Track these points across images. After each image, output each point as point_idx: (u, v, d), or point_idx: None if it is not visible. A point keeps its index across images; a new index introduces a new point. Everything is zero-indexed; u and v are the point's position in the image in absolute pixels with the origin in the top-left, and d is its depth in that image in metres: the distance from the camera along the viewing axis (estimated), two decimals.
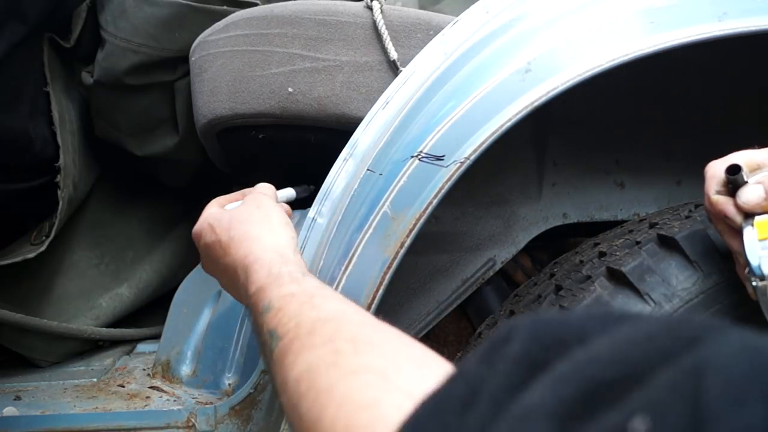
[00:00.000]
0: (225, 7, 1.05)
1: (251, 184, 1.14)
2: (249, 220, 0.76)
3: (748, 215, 0.69)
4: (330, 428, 0.45)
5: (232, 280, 0.74)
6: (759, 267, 0.68)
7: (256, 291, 0.66)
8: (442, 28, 0.81)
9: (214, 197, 1.31)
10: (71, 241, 1.16)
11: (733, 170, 0.69)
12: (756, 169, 0.70)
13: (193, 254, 1.23)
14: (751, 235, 0.68)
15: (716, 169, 0.71)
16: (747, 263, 0.69)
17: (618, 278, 0.79)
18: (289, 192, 0.90)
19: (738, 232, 0.70)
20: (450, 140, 0.78)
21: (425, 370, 0.48)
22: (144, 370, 1.02)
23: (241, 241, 0.74)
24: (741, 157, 0.70)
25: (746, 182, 0.69)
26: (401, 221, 0.76)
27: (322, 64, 0.91)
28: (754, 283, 0.69)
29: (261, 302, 0.64)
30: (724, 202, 0.70)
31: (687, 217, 0.82)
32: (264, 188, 0.85)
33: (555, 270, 0.90)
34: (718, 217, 0.72)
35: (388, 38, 0.90)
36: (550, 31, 0.79)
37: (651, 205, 1.09)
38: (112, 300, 1.17)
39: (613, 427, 0.27)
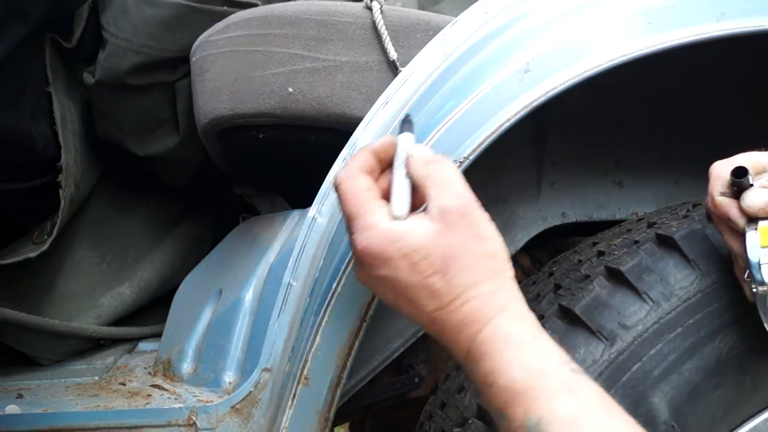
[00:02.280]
0: (225, 8, 1.05)
1: (251, 184, 1.15)
2: (472, 265, 0.60)
3: (752, 219, 0.69)
4: None
5: (445, 337, 0.61)
6: (760, 273, 0.68)
7: (505, 387, 0.55)
8: (442, 29, 0.82)
9: (214, 197, 1.31)
10: (73, 240, 1.17)
11: (740, 173, 0.68)
12: (762, 171, 0.70)
13: (193, 253, 1.24)
14: (753, 239, 0.68)
15: (721, 170, 0.71)
16: (748, 268, 0.69)
17: (616, 277, 0.79)
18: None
19: (740, 235, 0.70)
20: (449, 140, 0.78)
21: None
22: (145, 368, 1.02)
23: (468, 298, 0.59)
24: (747, 159, 0.70)
25: (751, 185, 0.69)
26: None
27: (322, 64, 0.91)
28: (754, 289, 0.69)
29: (519, 409, 0.53)
30: (728, 204, 0.70)
31: (685, 217, 0.83)
32: (449, 178, 0.63)
33: (554, 269, 0.90)
34: (720, 218, 0.72)
35: (388, 38, 0.90)
36: (548, 32, 0.80)
37: (649, 204, 1.10)
38: (113, 299, 1.17)
39: None
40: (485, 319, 0.59)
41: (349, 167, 0.66)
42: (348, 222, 0.65)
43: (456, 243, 0.61)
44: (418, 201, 0.65)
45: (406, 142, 0.69)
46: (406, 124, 0.71)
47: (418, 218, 0.63)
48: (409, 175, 0.66)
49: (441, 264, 0.60)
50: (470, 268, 0.60)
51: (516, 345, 0.58)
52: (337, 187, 0.66)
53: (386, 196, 0.66)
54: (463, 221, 0.61)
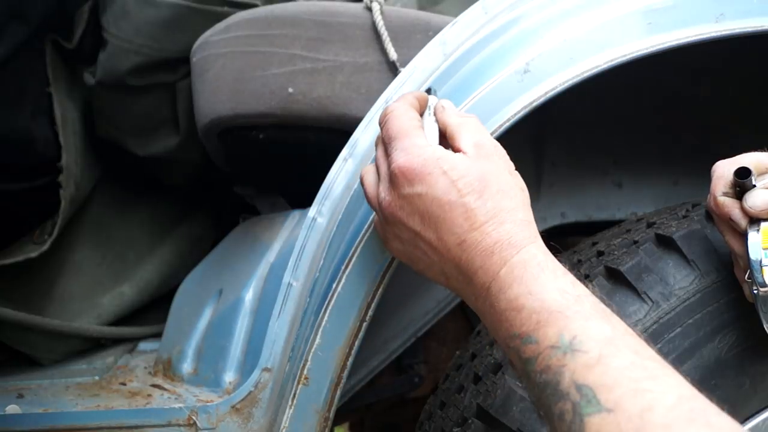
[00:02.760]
0: (226, 8, 1.05)
1: (251, 184, 1.15)
2: (507, 191, 0.62)
3: (753, 220, 0.69)
4: None
5: (470, 262, 0.60)
6: (761, 275, 0.68)
7: (538, 309, 0.54)
8: (442, 29, 0.82)
9: (215, 197, 1.32)
10: (73, 240, 1.17)
11: (743, 173, 0.68)
12: (765, 172, 0.70)
13: (193, 253, 1.25)
14: (755, 240, 0.68)
15: (724, 170, 0.71)
16: (749, 269, 0.69)
17: (616, 277, 0.79)
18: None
19: (741, 236, 0.70)
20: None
21: None
22: (145, 368, 1.02)
23: (503, 221, 0.60)
24: (750, 160, 0.70)
25: (754, 186, 0.69)
26: None
27: (322, 64, 0.92)
28: (754, 291, 0.69)
29: (551, 329, 0.53)
30: (731, 205, 0.70)
31: (684, 217, 0.83)
32: (481, 128, 0.68)
33: None
34: (722, 218, 0.71)
35: (388, 39, 0.90)
36: (548, 32, 0.80)
37: (648, 204, 1.10)
38: (113, 299, 1.17)
39: None
40: (519, 245, 0.59)
41: (402, 101, 0.70)
42: (391, 141, 0.66)
43: (492, 170, 0.62)
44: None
45: (433, 100, 0.75)
46: (430, 91, 0.77)
47: (454, 151, 0.65)
48: (443, 121, 0.70)
49: (478, 184, 0.61)
50: (506, 193, 0.61)
51: (550, 272, 0.57)
52: (389, 113, 0.68)
53: None
54: (497, 156, 0.64)
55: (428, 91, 0.78)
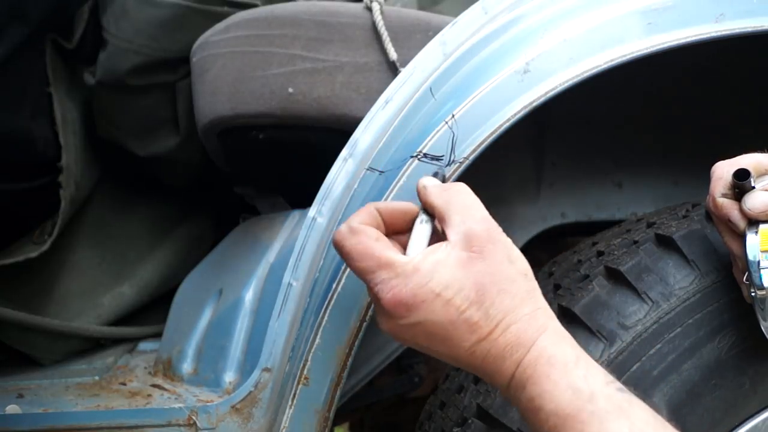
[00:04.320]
0: (226, 8, 1.05)
1: (251, 184, 1.15)
2: (507, 289, 0.58)
3: (752, 222, 0.69)
4: None
5: (486, 368, 0.59)
6: (760, 277, 0.68)
7: (553, 412, 0.54)
8: (442, 29, 0.82)
9: (215, 197, 1.32)
10: (73, 240, 1.17)
11: (742, 175, 0.68)
12: (764, 173, 0.70)
13: (193, 253, 1.24)
14: (753, 242, 0.68)
15: (723, 171, 0.71)
16: (747, 271, 0.69)
17: (616, 277, 0.79)
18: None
19: (740, 237, 0.70)
20: (449, 140, 0.78)
21: None
22: (145, 368, 1.02)
23: (509, 323, 0.58)
24: (749, 161, 0.70)
25: (753, 188, 0.69)
26: None
27: (322, 64, 0.92)
28: (752, 293, 0.69)
29: None
30: (729, 206, 0.70)
31: (684, 217, 0.83)
32: (471, 204, 0.62)
33: (553, 269, 0.90)
34: (721, 219, 0.71)
35: (388, 39, 0.90)
36: (548, 32, 0.80)
37: (649, 204, 1.10)
38: (113, 299, 1.17)
39: None
40: (528, 343, 0.58)
41: (349, 222, 0.63)
42: (364, 277, 0.61)
43: (488, 269, 0.59)
44: (436, 238, 0.64)
45: (420, 182, 0.67)
46: (435, 175, 0.69)
47: (443, 249, 0.60)
48: (428, 204, 0.64)
49: (475, 295, 0.58)
50: (506, 293, 0.59)
51: (561, 367, 0.57)
52: (339, 246, 0.62)
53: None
54: (492, 245, 0.60)
55: (435, 174, 0.69)
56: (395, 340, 0.64)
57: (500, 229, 0.62)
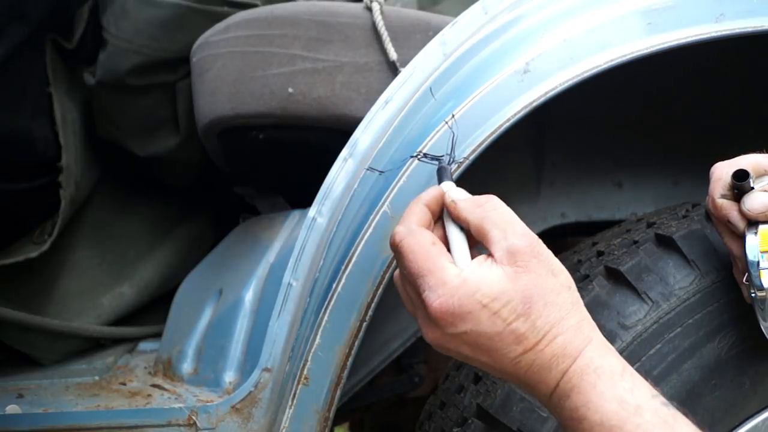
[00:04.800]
0: (225, 9, 1.06)
1: (251, 184, 1.15)
2: (554, 301, 0.59)
3: (752, 222, 0.69)
4: None
5: (529, 378, 0.60)
6: (759, 278, 0.68)
7: (599, 423, 0.54)
8: (442, 29, 0.82)
9: (215, 197, 1.32)
10: (73, 240, 1.17)
11: (741, 176, 0.68)
12: (763, 174, 0.70)
13: (193, 253, 1.24)
14: (753, 242, 0.68)
15: (723, 172, 0.71)
16: (747, 271, 0.69)
17: (616, 277, 0.79)
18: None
19: (739, 238, 0.70)
20: (449, 140, 0.78)
21: None
22: (145, 368, 1.02)
23: (555, 335, 0.58)
24: (748, 162, 0.70)
25: (752, 188, 0.68)
26: None
27: (322, 64, 0.92)
28: (752, 294, 0.69)
29: None
30: (729, 207, 0.70)
31: (684, 217, 0.83)
32: (509, 219, 0.62)
33: None
34: (720, 220, 0.71)
35: (388, 39, 0.90)
36: (548, 32, 0.80)
37: (649, 204, 1.10)
38: (113, 299, 1.17)
39: None
40: (574, 353, 0.58)
41: (408, 222, 0.64)
42: (415, 279, 0.61)
43: (533, 282, 0.59)
44: (474, 243, 0.64)
45: (449, 190, 0.67)
46: (441, 171, 0.70)
47: (488, 265, 0.60)
48: (462, 220, 0.63)
49: (522, 307, 0.58)
50: (552, 305, 0.59)
51: (607, 378, 0.57)
52: (398, 246, 0.63)
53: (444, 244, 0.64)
54: (536, 260, 0.60)
55: (440, 172, 0.69)
56: (439, 350, 0.63)
57: (541, 242, 0.62)
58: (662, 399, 0.57)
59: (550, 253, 0.62)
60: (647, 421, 0.54)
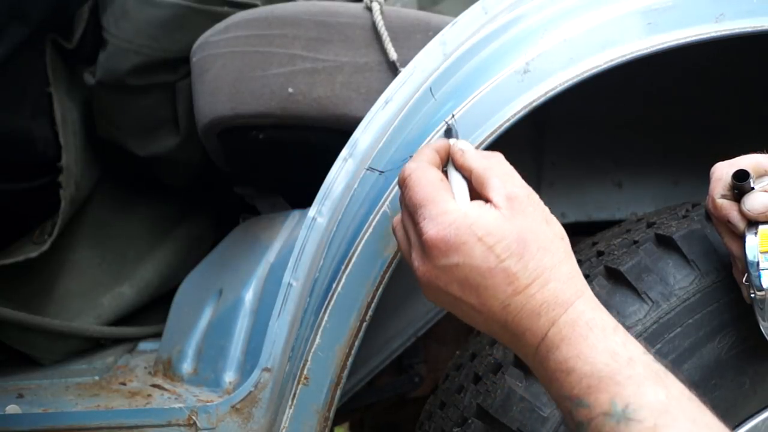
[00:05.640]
0: (225, 9, 1.05)
1: (251, 184, 1.15)
2: (547, 246, 0.59)
3: (752, 222, 0.69)
4: None
5: (517, 325, 0.59)
6: (759, 279, 0.68)
7: (589, 373, 0.53)
8: (442, 29, 0.82)
9: (215, 197, 1.32)
10: (73, 240, 1.17)
11: (741, 176, 0.68)
12: (763, 174, 0.70)
13: (193, 253, 1.25)
14: (752, 243, 0.68)
15: (723, 172, 0.71)
16: (747, 272, 0.69)
17: (616, 277, 0.79)
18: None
19: (739, 238, 0.70)
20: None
21: None
22: (145, 368, 1.02)
23: (547, 280, 0.58)
24: (748, 162, 0.70)
25: (752, 188, 0.69)
26: None
27: (322, 64, 0.92)
28: (752, 294, 0.70)
29: (603, 395, 0.52)
30: (729, 207, 0.70)
31: (684, 217, 0.83)
32: (510, 171, 0.63)
33: None
34: (720, 220, 0.72)
35: (388, 39, 0.90)
36: (548, 32, 0.80)
37: (648, 204, 1.10)
38: (113, 299, 1.17)
39: None
40: (566, 303, 0.57)
41: (419, 160, 0.66)
42: (416, 209, 0.62)
43: (529, 226, 0.59)
44: (473, 198, 0.65)
45: (457, 141, 0.70)
46: (449, 130, 0.73)
47: (487, 206, 0.61)
48: (467, 167, 0.66)
49: (516, 246, 0.58)
50: (546, 250, 0.59)
51: (599, 330, 0.56)
52: (406, 177, 0.64)
53: None
54: (532, 207, 0.61)
55: (447, 132, 0.73)
56: (427, 290, 0.63)
57: (537, 196, 0.63)
58: (653, 357, 0.56)
59: (545, 206, 0.63)
60: (639, 372, 0.53)
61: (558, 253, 0.60)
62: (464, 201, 0.64)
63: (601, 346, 0.55)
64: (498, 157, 0.66)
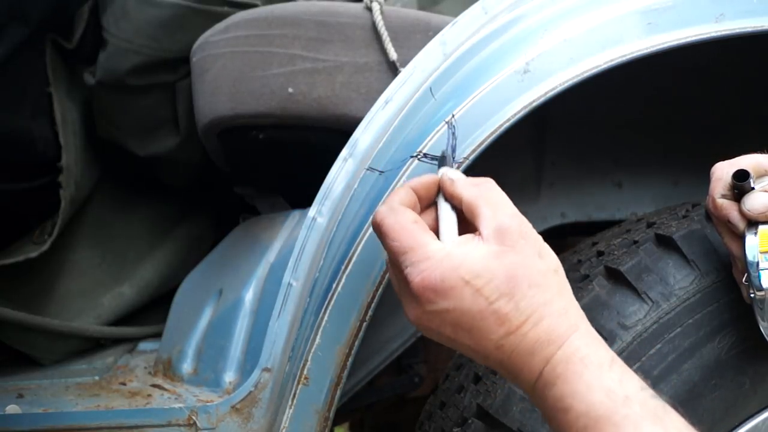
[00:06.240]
0: (226, 9, 1.05)
1: (251, 184, 1.15)
2: (539, 282, 0.57)
3: (752, 222, 0.69)
4: None
5: (512, 363, 0.58)
6: (759, 279, 0.68)
7: (584, 413, 0.53)
8: (442, 29, 0.82)
9: (215, 197, 1.32)
10: (73, 240, 1.17)
11: (741, 176, 0.68)
12: (763, 174, 0.70)
13: (193, 253, 1.25)
14: (752, 243, 0.68)
15: (723, 172, 0.71)
16: (747, 272, 0.69)
17: (616, 277, 0.79)
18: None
19: (739, 238, 0.70)
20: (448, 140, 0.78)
21: None
22: (145, 368, 1.02)
23: (540, 317, 0.56)
24: (749, 162, 0.70)
25: (752, 188, 0.69)
26: None
27: (322, 64, 0.92)
28: (752, 294, 0.70)
29: None
30: (729, 207, 0.70)
31: (684, 217, 0.83)
32: (501, 200, 0.61)
33: None
34: (720, 220, 0.72)
35: (388, 39, 0.90)
36: (548, 32, 0.80)
37: (649, 204, 1.10)
38: (113, 299, 1.17)
39: None
40: (560, 340, 0.56)
41: (390, 202, 0.63)
42: (397, 257, 0.60)
43: (519, 262, 0.58)
44: (464, 228, 0.63)
45: (446, 171, 0.67)
46: (443, 159, 0.70)
47: (474, 242, 0.59)
48: (456, 196, 0.64)
49: (506, 286, 0.57)
50: (538, 287, 0.57)
51: (595, 367, 0.55)
52: (379, 224, 0.62)
53: (432, 230, 0.63)
54: (524, 240, 0.59)
55: (441, 160, 0.70)
56: (420, 330, 0.62)
57: (530, 226, 0.61)
58: (652, 392, 0.55)
59: (538, 236, 0.61)
60: (636, 412, 0.52)
61: (551, 288, 0.58)
62: (451, 237, 0.62)
63: (596, 384, 0.54)
64: (489, 184, 0.63)
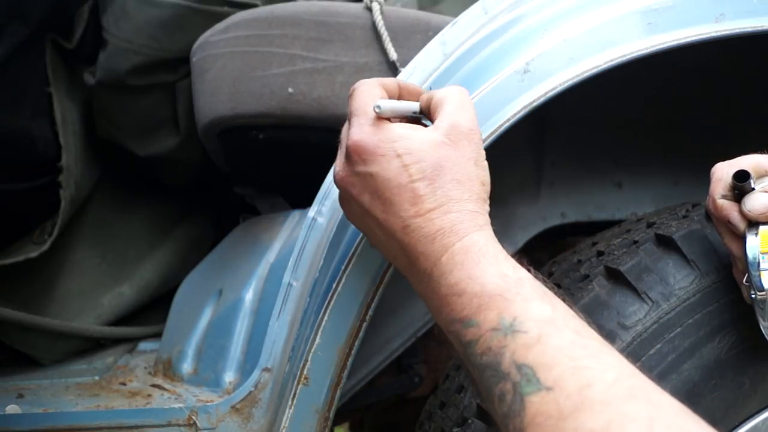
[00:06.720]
0: (226, 9, 1.05)
1: (251, 184, 1.15)
2: (462, 181, 0.60)
3: (752, 223, 0.69)
4: None
5: (413, 247, 0.60)
6: (759, 279, 0.68)
7: (479, 293, 0.54)
8: (442, 29, 0.82)
9: (215, 197, 1.32)
10: (73, 240, 1.17)
11: (741, 176, 0.68)
12: (764, 175, 0.70)
13: (193, 253, 1.25)
14: (753, 243, 0.68)
15: (723, 172, 0.71)
16: (747, 273, 0.69)
17: (616, 277, 0.79)
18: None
19: (740, 238, 0.70)
20: None
21: None
22: (145, 368, 1.02)
23: (449, 210, 0.59)
24: (749, 162, 0.70)
25: (753, 189, 0.69)
26: None
27: (322, 64, 0.92)
28: (752, 295, 0.70)
29: (491, 312, 0.53)
30: (729, 208, 0.70)
31: (684, 217, 0.83)
32: (467, 105, 0.64)
33: (553, 269, 0.90)
34: (721, 220, 0.72)
35: (388, 39, 0.90)
36: (548, 32, 0.80)
37: (649, 204, 1.10)
38: (113, 299, 1.17)
39: None
40: (462, 233, 0.59)
41: (371, 79, 0.67)
42: (351, 116, 0.64)
43: (453, 158, 0.61)
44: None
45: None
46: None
47: (421, 128, 0.63)
48: (431, 95, 0.66)
49: (431, 172, 0.60)
50: (460, 184, 0.60)
51: (491, 257, 0.57)
52: (355, 88, 0.66)
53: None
54: (467, 142, 0.62)
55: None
56: (341, 191, 0.65)
57: (481, 138, 0.65)
58: (546, 288, 0.57)
59: (483, 151, 0.64)
60: (527, 290, 0.54)
61: (471, 191, 0.61)
62: (387, 104, 0.64)
63: (492, 269, 0.56)
64: (465, 91, 0.66)
